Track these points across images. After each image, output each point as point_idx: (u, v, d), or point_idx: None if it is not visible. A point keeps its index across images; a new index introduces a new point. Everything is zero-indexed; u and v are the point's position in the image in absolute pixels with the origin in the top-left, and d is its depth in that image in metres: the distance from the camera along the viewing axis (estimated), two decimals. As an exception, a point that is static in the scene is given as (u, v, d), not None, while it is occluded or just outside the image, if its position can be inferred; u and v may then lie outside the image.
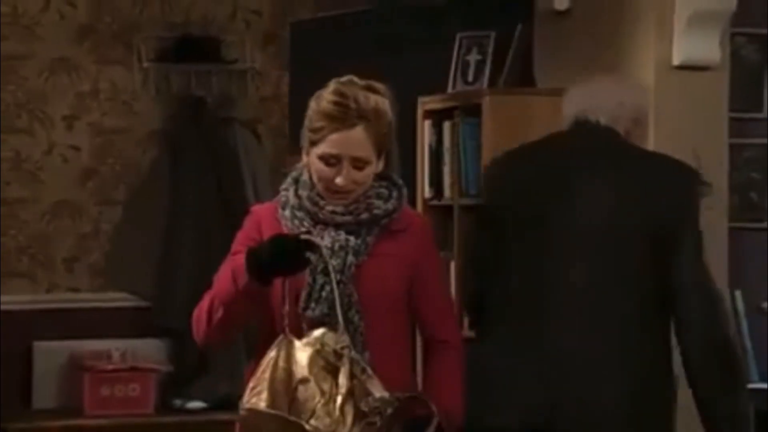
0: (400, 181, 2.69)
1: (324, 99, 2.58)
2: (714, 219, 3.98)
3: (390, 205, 2.63)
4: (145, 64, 5.22)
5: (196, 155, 5.19)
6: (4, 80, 5.13)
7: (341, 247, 2.58)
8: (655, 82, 3.95)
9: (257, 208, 2.72)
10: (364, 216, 2.60)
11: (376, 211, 2.61)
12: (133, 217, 5.24)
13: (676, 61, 3.95)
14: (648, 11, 3.98)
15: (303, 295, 2.57)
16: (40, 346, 5.10)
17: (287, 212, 2.63)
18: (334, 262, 2.56)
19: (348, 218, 2.60)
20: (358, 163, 2.57)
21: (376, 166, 2.61)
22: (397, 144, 2.68)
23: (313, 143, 2.59)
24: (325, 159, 2.58)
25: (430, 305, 2.67)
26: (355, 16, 4.89)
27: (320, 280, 2.57)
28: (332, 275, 2.53)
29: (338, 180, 2.57)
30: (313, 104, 2.61)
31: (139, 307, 5.20)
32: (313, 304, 2.57)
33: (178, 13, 5.30)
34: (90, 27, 5.22)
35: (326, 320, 2.55)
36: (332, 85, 2.60)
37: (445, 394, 2.62)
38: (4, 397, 4.97)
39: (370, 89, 2.60)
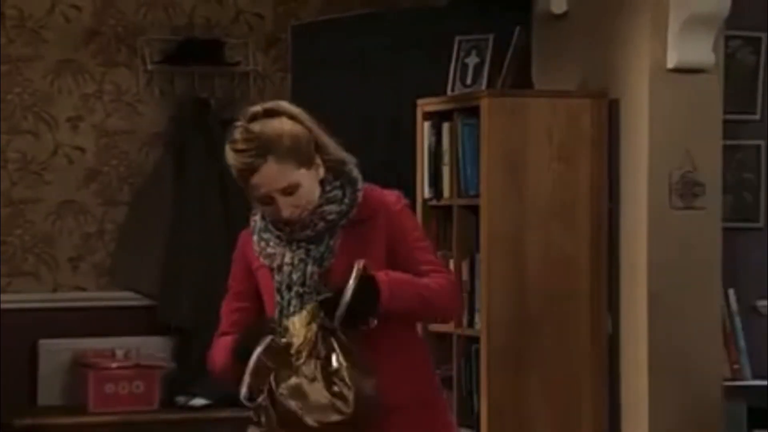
0: (354, 171, 2.69)
1: (229, 154, 2.62)
2: (708, 219, 4.05)
3: (344, 206, 2.66)
4: (149, 67, 5.28)
5: (199, 156, 5.24)
6: (10, 82, 5.20)
7: (300, 260, 2.64)
8: (650, 85, 4.01)
9: (242, 234, 2.79)
10: (321, 225, 2.64)
11: (330, 217, 2.65)
12: (137, 217, 5.29)
13: (670, 64, 4.00)
14: (643, 14, 4.02)
15: (276, 313, 2.65)
16: (46, 344, 5.14)
17: (255, 236, 2.71)
18: (294, 276, 2.62)
19: (307, 232, 2.65)
20: (289, 190, 2.61)
21: (314, 176, 2.64)
22: (324, 130, 2.67)
23: (244, 189, 2.65)
24: (259, 200, 2.63)
25: (414, 261, 2.67)
26: (356, 19, 4.94)
27: (286, 295, 2.64)
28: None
29: (283, 213, 2.62)
30: (226, 156, 2.65)
31: (143, 305, 5.25)
32: (284, 321, 2.63)
33: (182, 16, 5.35)
34: (95, 30, 5.27)
35: None
36: (231, 137, 2.62)
37: (401, 274, 2.62)
38: (10, 394, 5.02)
39: (267, 114, 2.62)
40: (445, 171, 4.25)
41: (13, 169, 5.22)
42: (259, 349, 2.57)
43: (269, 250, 2.68)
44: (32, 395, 5.12)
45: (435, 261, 2.74)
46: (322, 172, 2.67)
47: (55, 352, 5.13)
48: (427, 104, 4.35)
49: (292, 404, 2.53)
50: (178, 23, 5.34)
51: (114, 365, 4.99)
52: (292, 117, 2.65)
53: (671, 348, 3.98)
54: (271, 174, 2.59)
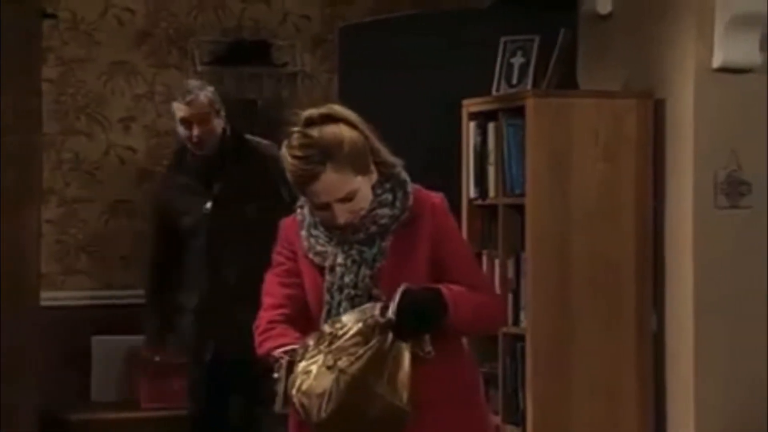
0: (402, 174, 2.69)
1: (286, 160, 2.60)
2: (754, 218, 4.05)
3: (396, 210, 2.66)
4: (199, 68, 5.35)
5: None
6: (64, 84, 5.30)
7: (354, 262, 2.64)
8: (695, 85, 4.01)
9: (284, 222, 2.78)
10: (373, 229, 2.65)
11: (382, 221, 2.65)
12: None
13: (716, 64, 3.99)
14: (688, 14, 4.03)
15: (323, 313, 2.65)
16: (99, 341, 5.23)
17: (304, 232, 2.71)
18: (347, 279, 2.62)
19: (359, 236, 2.65)
20: (347, 197, 2.61)
21: (368, 182, 2.64)
22: (375, 134, 2.67)
23: (300, 193, 2.65)
24: (316, 206, 2.64)
25: (459, 272, 2.67)
26: (402, 20, 4.98)
27: (337, 297, 2.64)
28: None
29: (339, 220, 2.62)
30: (283, 161, 2.63)
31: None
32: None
33: (231, 18, 5.43)
34: (147, 32, 5.36)
35: None
36: (288, 143, 2.60)
37: (455, 292, 2.61)
38: (65, 389, 5.12)
39: (325, 120, 2.60)
40: (491, 170, 4.27)
41: (66, 169, 5.32)
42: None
43: (319, 248, 2.68)
44: (86, 391, 5.21)
45: (480, 275, 2.75)
46: (374, 177, 2.67)
47: (108, 349, 5.21)
48: (472, 104, 4.38)
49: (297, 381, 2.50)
50: (228, 25, 5.42)
51: (166, 361, 5.06)
52: (349, 123, 2.63)
53: (717, 347, 3.99)
54: (331, 183, 2.58)
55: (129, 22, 5.33)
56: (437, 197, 2.73)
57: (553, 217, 4.09)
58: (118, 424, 4.99)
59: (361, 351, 2.51)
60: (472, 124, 4.36)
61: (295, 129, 2.61)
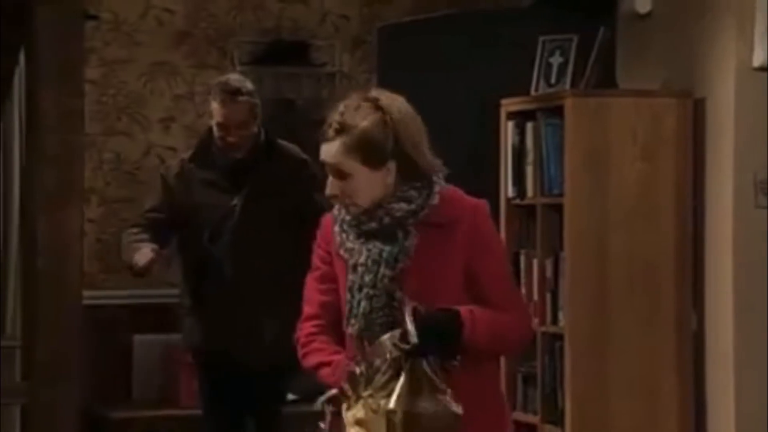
0: (435, 177, 2.68)
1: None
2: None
3: (414, 206, 2.65)
4: (238, 68, 5.37)
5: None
6: (105, 84, 5.35)
7: (374, 262, 2.65)
8: (735, 84, 4.00)
9: (324, 219, 2.81)
10: (386, 220, 2.65)
11: (397, 214, 2.64)
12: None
13: (756, 63, 3.98)
14: (728, 13, 4.01)
15: (345, 312, 2.67)
16: (140, 339, 5.28)
17: (337, 227, 2.73)
18: (366, 278, 2.64)
19: (373, 225, 2.66)
20: (340, 175, 2.64)
21: (376, 178, 2.64)
22: (420, 138, 2.69)
23: None
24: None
25: (491, 289, 2.66)
26: (440, 20, 4.99)
27: (357, 296, 2.65)
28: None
29: (326, 189, 2.69)
30: None
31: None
32: (352, 320, 2.66)
33: (270, 19, 5.46)
34: (186, 33, 5.40)
35: (365, 335, 2.64)
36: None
37: (484, 310, 2.61)
38: (107, 387, 5.17)
39: (370, 102, 2.66)
40: (529, 170, 4.28)
41: (107, 169, 5.37)
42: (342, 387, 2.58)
43: (349, 244, 2.71)
44: (127, 388, 5.26)
45: (510, 294, 2.71)
46: (390, 179, 2.66)
47: (149, 347, 5.26)
48: (510, 104, 4.39)
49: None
50: (267, 25, 5.45)
51: (205, 360, 5.09)
52: (386, 116, 2.66)
53: (757, 345, 3.98)
54: (332, 150, 2.65)
55: (169, 22, 5.38)
56: (480, 205, 2.72)
57: (591, 216, 4.09)
58: (159, 422, 5.03)
59: (398, 385, 2.54)
60: (510, 124, 4.36)
61: (356, 95, 2.70)
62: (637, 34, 4.40)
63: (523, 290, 4.15)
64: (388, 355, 2.55)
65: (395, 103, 2.70)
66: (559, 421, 4.12)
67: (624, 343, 4.07)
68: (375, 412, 2.53)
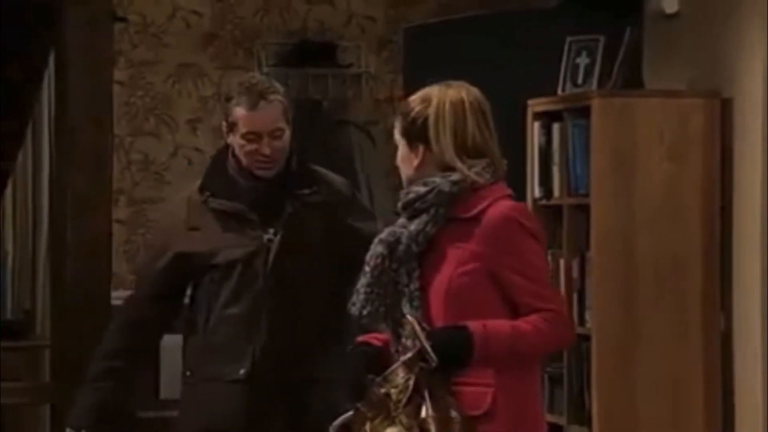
0: (471, 175, 2.65)
1: None
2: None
3: (425, 189, 2.65)
4: (265, 69, 5.40)
5: (313, 157, 5.32)
6: (133, 86, 5.38)
7: (379, 240, 2.66)
8: (763, 84, 3.98)
9: None
10: (402, 199, 2.68)
11: (410, 195, 2.66)
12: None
13: (784, 63, 3.97)
14: (756, 13, 4.00)
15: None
16: (168, 340, 5.29)
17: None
18: (368, 255, 2.65)
19: (399, 203, 2.71)
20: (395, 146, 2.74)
21: (408, 154, 2.67)
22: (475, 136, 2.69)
23: None
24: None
25: (522, 296, 2.63)
26: (467, 20, 4.99)
27: (362, 279, 2.65)
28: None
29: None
30: None
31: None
32: (354, 296, 2.66)
33: (297, 20, 5.48)
34: (214, 34, 5.43)
35: (373, 318, 2.64)
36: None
37: (501, 323, 2.60)
38: (135, 387, 5.19)
39: (446, 85, 2.72)
40: (555, 170, 4.28)
41: (135, 170, 5.40)
42: (358, 405, 2.58)
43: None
44: (155, 389, 5.29)
45: (545, 293, 2.65)
46: (416, 161, 2.68)
47: (176, 347, 5.26)
48: (537, 104, 4.39)
49: None
50: (293, 27, 5.47)
51: (231, 360, 5.11)
52: (443, 102, 2.69)
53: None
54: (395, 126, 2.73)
55: (196, 24, 5.41)
56: (514, 208, 2.69)
57: (618, 217, 4.08)
58: (186, 422, 5.04)
59: (424, 402, 2.55)
60: (537, 124, 4.36)
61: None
62: (664, 34, 4.40)
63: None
64: (411, 377, 2.56)
65: (456, 90, 2.73)
66: (585, 422, 4.12)
67: (651, 344, 4.06)
68: (409, 430, 2.55)
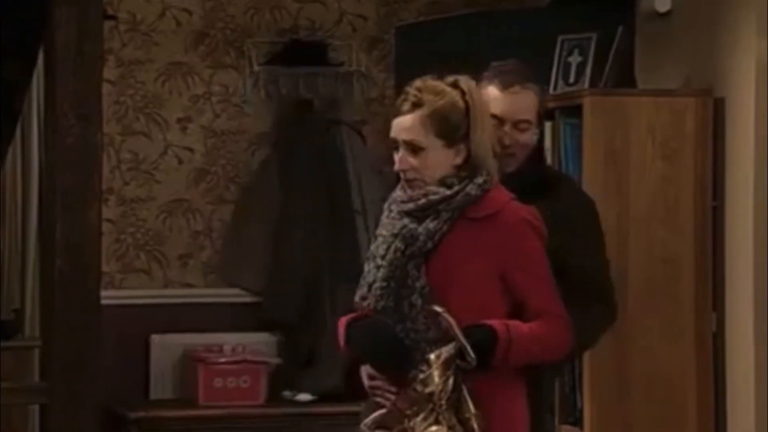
0: (484, 174, 2.67)
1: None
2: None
3: (450, 192, 2.66)
4: (256, 68, 5.39)
5: (304, 156, 5.33)
6: (123, 84, 5.36)
7: (392, 234, 2.66)
8: (756, 83, 3.98)
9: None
10: (422, 201, 2.66)
11: (432, 197, 2.65)
12: (243, 215, 5.41)
13: (777, 61, 3.97)
14: (749, 12, 3.99)
15: (361, 279, 2.70)
16: (157, 339, 5.28)
17: (385, 205, 2.78)
18: (381, 248, 2.65)
19: (410, 205, 2.68)
20: (413, 147, 2.66)
21: (447, 156, 2.65)
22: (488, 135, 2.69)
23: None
24: (393, 145, 2.72)
25: (530, 298, 2.67)
26: (458, 19, 4.98)
27: (369, 265, 2.67)
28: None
29: (396, 165, 2.69)
30: None
31: (250, 302, 5.36)
32: (361, 289, 2.68)
33: (287, 19, 5.46)
34: (204, 33, 5.40)
35: (363, 305, 2.65)
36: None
37: (520, 326, 2.61)
38: (124, 387, 5.18)
39: (452, 84, 2.69)
40: (548, 170, 4.27)
41: (125, 168, 5.38)
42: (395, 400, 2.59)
43: (385, 220, 2.74)
44: (145, 389, 5.27)
45: (551, 299, 2.70)
46: (459, 160, 2.68)
47: (166, 347, 5.26)
48: (529, 103, 4.37)
49: None
50: (284, 25, 5.45)
51: (222, 360, 5.11)
52: (464, 95, 2.69)
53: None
54: (406, 123, 2.66)
55: (186, 23, 5.38)
56: (520, 209, 2.70)
57: (610, 216, 4.07)
58: (176, 422, 5.03)
59: (465, 400, 2.58)
60: (528, 123, 4.34)
61: (430, 77, 2.71)
62: (656, 33, 4.39)
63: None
64: (450, 373, 2.57)
65: (473, 86, 2.72)
66: (577, 422, 4.10)
67: (643, 343, 4.05)
68: (452, 428, 2.55)
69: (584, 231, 3.00)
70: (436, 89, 2.68)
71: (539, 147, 3.07)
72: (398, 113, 2.69)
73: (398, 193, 2.75)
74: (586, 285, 2.90)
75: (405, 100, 2.69)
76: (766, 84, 3.97)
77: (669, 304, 4.08)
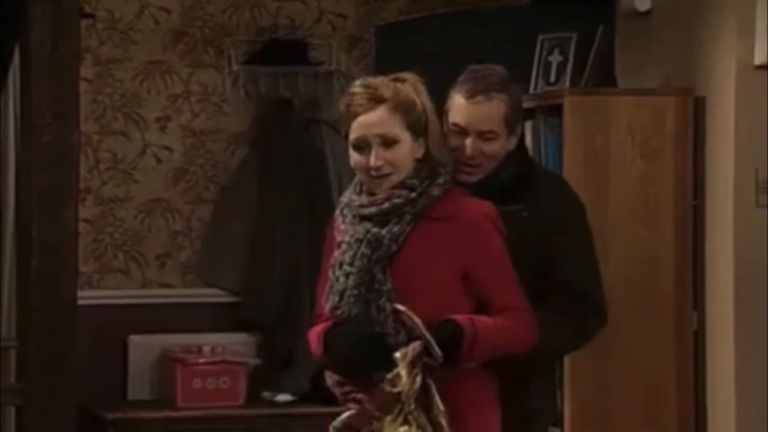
0: (442, 171, 2.67)
1: (351, 89, 2.70)
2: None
3: (414, 195, 2.64)
4: (235, 67, 5.36)
5: (283, 155, 5.32)
6: (101, 83, 5.32)
7: (357, 240, 2.64)
8: (736, 82, 3.98)
9: (331, 218, 2.81)
10: (385, 206, 2.64)
11: (396, 200, 2.64)
12: (222, 215, 5.39)
13: (758, 61, 3.96)
14: (729, 11, 4.00)
15: (327, 289, 2.68)
16: (135, 340, 5.25)
17: (338, 211, 2.74)
18: (347, 255, 2.63)
19: (372, 209, 2.65)
20: (388, 141, 2.62)
21: (413, 149, 2.63)
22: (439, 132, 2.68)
23: (346, 136, 2.69)
24: (354, 145, 2.66)
25: (494, 293, 2.66)
26: (438, 18, 4.98)
27: (336, 272, 2.65)
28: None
29: (372, 162, 2.63)
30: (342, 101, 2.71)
31: (229, 302, 5.34)
32: (330, 297, 2.66)
33: (267, 18, 5.44)
34: (183, 31, 5.37)
35: (337, 313, 2.64)
36: (363, 78, 2.72)
37: (485, 319, 2.61)
38: (102, 388, 5.14)
39: (396, 80, 2.68)
40: (528, 169, 4.26)
41: (103, 168, 5.34)
42: (366, 399, 2.58)
43: (342, 226, 2.71)
44: (122, 389, 5.24)
45: (514, 294, 2.70)
46: (419, 154, 2.67)
47: (144, 348, 5.23)
48: (509, 103, 4.36)
49: None
50: (263, 24, 5.42)
51: (201, 361, 5.08)
52: (416, 90, 2.68)
53: (758, 345, 3.96)
54: (379, 118, 2.62)
55: (165, 21, 5.35)
56: (479, 207, 2.70)
57: (590, 215, 4.05)
58: (154, 423, 5.01)
59: (433, 398, 2.57)
60: (509, 122, 4.33)
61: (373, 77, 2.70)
62: (636, 32, 4.39)
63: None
64: (417, 372, 2.56)
65: (417, 80, 2.72)
66: (558, 422, 4.10)
67: (624, 343, 4.05)
68: (421, 427, 2.55)
69: (570, 233, 2.96)
70: (388, 84, 2.67)
71: (521, 148, 3.01)
72: (357, 113, 2.65)
73: (352, 197, 2.71)
74: (574, 290, 2.90)
75: (361, 98, 2.65)
76: (746, 83, 3.97)
77: (649, 303, 4.08)
